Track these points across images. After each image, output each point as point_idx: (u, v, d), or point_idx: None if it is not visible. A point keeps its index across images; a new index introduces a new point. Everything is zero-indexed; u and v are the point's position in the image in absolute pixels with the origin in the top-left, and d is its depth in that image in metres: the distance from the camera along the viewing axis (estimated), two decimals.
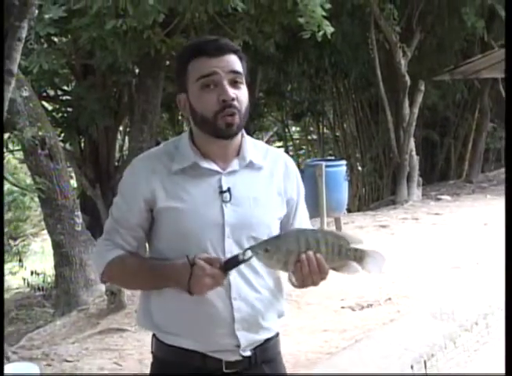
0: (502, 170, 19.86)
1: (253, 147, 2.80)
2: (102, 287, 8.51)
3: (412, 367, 5.88)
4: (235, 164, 2.74)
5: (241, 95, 2.65)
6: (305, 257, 2.55)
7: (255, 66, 17.06)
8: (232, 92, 2.61)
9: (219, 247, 2.66)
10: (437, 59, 17.08)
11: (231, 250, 2.66)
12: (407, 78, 14.95)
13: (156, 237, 2.74)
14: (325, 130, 21.42)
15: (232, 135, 2.66)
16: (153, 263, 2.70)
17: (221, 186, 2.69)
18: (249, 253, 2.55)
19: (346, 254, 2.64)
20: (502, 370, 6.72)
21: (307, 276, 2.57)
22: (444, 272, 8.43)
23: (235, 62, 2.66)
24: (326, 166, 11.02)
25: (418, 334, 6.51)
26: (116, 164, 14.89)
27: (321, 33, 10.09)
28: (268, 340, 2.79)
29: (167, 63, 13.13)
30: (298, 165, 13.95)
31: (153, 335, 2.78)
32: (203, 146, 2.71)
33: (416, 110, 15.32)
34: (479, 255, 9.52)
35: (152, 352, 2.83)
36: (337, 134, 20.23)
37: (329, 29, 10.12)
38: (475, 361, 6.77)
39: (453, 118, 19.35)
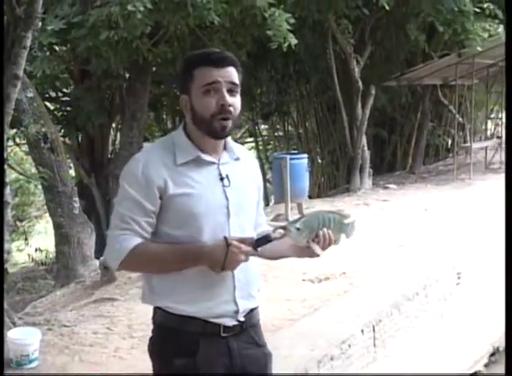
0: (441, 163, 20.00)
1: (232, 143, 2.94)
2: (97, 263, 8.51)
3: (362, 331, 5.89)
4: (226, 157, 2.88)
5: (236, 102, 2.77)
6: (322, 234, 2.78)
7: None
8: (229, 99, 2.72)
9: (226, 226, 2.78)
10: (385, 67, 17.10)
11: (234, 228, 2.80)
12: (360, 84, 14.96)
13: (165, 223, 2.76)
14: (290, 128, 21.44)
15: (223, 136, 2.82)
16: (182, 247, 2.72)
17: (220, 174, 2.81)
18: (281, 231, 2.71)
19: (343, 229, 2.92)
20: (438, 335, 6.76)
21: (322, 247, 2.79)
22: (390, 249, 8.47)
23: (234, 74, 2.77)
24: (291, 159, 11.04)
25: (368, 303, 6.53)
26: (109, 156, 14.88)
27: (286, 44, 10.13)
28: (254, 308, 2.92)
29: (154, 69, 13.11)
30: (267, 158, 14.02)
31: (157, 308, 2.81)
32: (200, 142, 2.81)
33: (367, 111, 15.35)
34: (420, 235, 9.57)
35: (154, 323, 2.86)
36: (300, 131, 20.23)
37: (293, 41, 10.16)
38: (416, 326, 6.80)
39: (399, 118, 19.38)
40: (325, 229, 2.79)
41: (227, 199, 2.80)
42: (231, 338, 2.81)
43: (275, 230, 2.74)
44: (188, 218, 2.73)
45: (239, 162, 2.94)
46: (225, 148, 2.89)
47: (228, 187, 2.81)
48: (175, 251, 2.71)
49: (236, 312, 2.81)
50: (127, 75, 13.17)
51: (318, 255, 2.83)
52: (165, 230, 2.75)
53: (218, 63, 2.74)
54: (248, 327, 2.89)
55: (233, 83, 2.76)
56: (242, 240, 2.69)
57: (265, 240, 2.73)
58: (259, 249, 2.74)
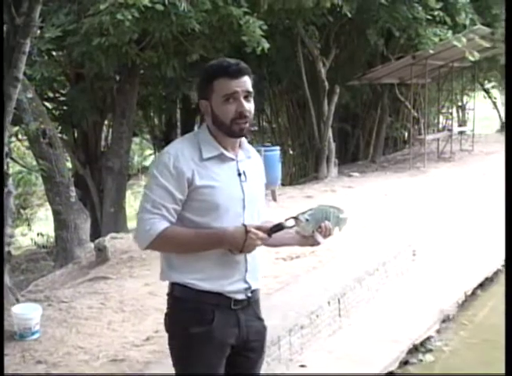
0: (398, 153, 20.10)
1: (246, 142, 3.01)
2: (91, 245, 8.50)
3: (329, 303, 5.93)
4: (241, 155, 2.96)
5: (251, 107, 2.86)
6: (324, 225, 2.91)
7: None
8: (246, 105, 2.82)
9: (241, 217, 2.87)
10: (348, 68, 17.14)
11: (248, 218, 2.89)
12: (326, 83, 14.98)
13: (189, 210, 2.82)
14: (264, 123, 21.40)
15: (242, 136, 2.91)
16: (206, 231, 2.80)
17: (238, 170, 2.90)
18: (291, 222, 2.84)
19: (338, 223, 3.02)
20: (397, 302, 6.79)
21: (323, 237, 2.92)
22: (355, 230, 8.48)
23: (248, 82, 2.86)
24: (265, 150, 11.05)
25: (334, 278, 6.56)
26: (102, 150, 14.83)
27: (260, 48, 10.14)
28: (257, 288, 3.02)
29: (141, 71, 13.06)
30: None
31: (176, 284, 2.86)
32: (221, 141, 2.89)
33: (333, 108, 15.37)
34: (380, 218, 9.62)
35: (173, 297, 2.89)
36: (274, 126, 20.22)
37: (266, 45, 10.17)
38: (377, 298, 6.84)
39: (361, 114, 19.44)
40: (327, 222, 2.92)
41: (243, 193, 2.90)
42: (239, 310, 2.90)
43: (287, 220, 2.85)
44: (210, 207, 2.81)
45: (251, 160, 3.03)
46: (240, 146, 2.97)
47: (245, 182, 2.91)
48: (200, 234, 2.79)
49: (246, 289, 2.92)
50: (117, 77, 13.11)
51: (319, 244, 2.96)
52: (189, 217, 2.82)
53: (236, 75, 2.81)
54: (252, 303, 2.98)
55: (248, 91, 2.85)
56: (258, 228, 2.79)
57: (277, 228, 2.83)
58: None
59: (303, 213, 2.87)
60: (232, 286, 2.86)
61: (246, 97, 2.84)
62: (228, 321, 2.87)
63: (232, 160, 2.90)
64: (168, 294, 2.92)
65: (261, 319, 3.06)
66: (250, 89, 2.86)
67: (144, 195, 2.82)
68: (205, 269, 2.83)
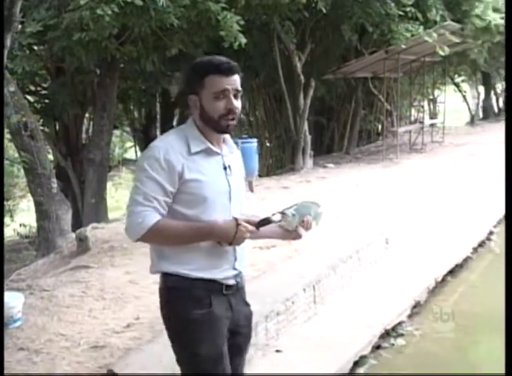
0: (372, 145, 20.16)
1: (228, 137, 3.06)
2: (73, 235, 8.45)
3: (304, 290, 5.94)
4: (225, 149, 3.00)
5: (239, 105, 2.89)
6: (306, 220, 3.01)
7: (188, 69, 16.91)
8: (235, 102, 2.84)
9: (227, 209, 2.92)
10: (324, 62, 17.15)
11: (233, 210, 2.94)
12: (302, 77, 14.99)
13: (178, 203, 2.84)
14: (241, 116, 21.35)
15: (228, 132, 2.95)
16: (197, 224, 2.83)
17: (223, 164, 2.94)
18: (278, 216, 2.90)
19: (316, 217, 3.10)
20: (370, 289, 6.82)
21: (305, 231, 3.03)
22: (328, 220, 8.50)
23: (238, 81, 2.88)
24: (242, 142, 11.10)
25: (309, 266, 6.58)
26: (83, 142, 14.77)
27: (237, 43, 10.13)
28: (243, 275, 3.10)
29: (121, 65, 13.00)
30: None
31: (168, 275, 2.89)
32: (207, 135, 2.91)
33: (308, 101, 15.38)
34: (354, 207, 9.65)
35: (166, 287, 2.93)
36: (251, 119, 20.19)
37: (243, 40, 10.16)
38: (351, 285, 6.87)
39: (336, 107, 19.48)
40: (309, 216, 3.01)
41: (229, 186, 2.94)
42: (230, 295, 2.97)
43: (274, 214, 2.90)
44: (198, 200, 2.83)
45: (233, 154, 3.07)
46: (224, 142, 3.01)
47: (230, 176, 2.96)
48: (192, 227, 2.82)
49: (236, 275, 2.98)
50: (97, 71, 13.03)
51: (300, 237, 3.07)
52: (178, 209, 2.84)
53: (227, 73, 2.83)
54: (240, 288, 3.06)
55: (237, 89, 2.86)
56: (248, 221, 2.84)
57: (265, 222, 2.88)
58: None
59: (288, 208, 2.95)
60: (223, 273, 2.92)
61: (235, 95, 2.86)
62: (223, 305, 2.94)
63: (218, 154, 2.94)
64: (161, 286, 2.95)
65: (247, 305, 3.16)
66: (239, 88, 2.88)
67: (134, 188, 2.81)
68: (196, 260, 2.87)
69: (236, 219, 2.82)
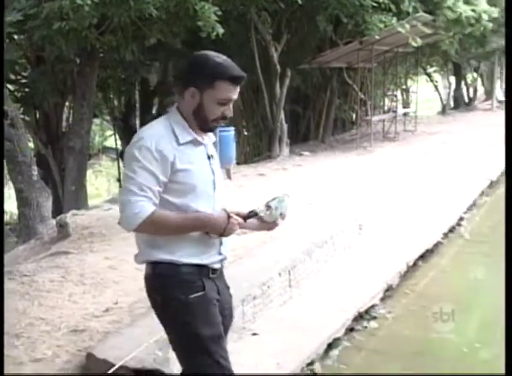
0: (347, 133, 20.20)
1: None
2: (53, 222, 8.42)
3: (280, 274, 5.95)
4: (207, 139, 3.00)
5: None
6: (284, 212, 3.08)
7: (167, 58, 16.84)
8: (231, 111, 2.94)
9: (212, 197, 2.94)
10: (299, 53, 17.12)
11: (217, 199, 2.97)
12: (278, 67, 14.98)
13: (169, 192, 2.84)
14: None
15: (212, 131, 3.02)
16: (191, 215, 2.84)
17: (207, 154, 2.96)
18: (263, 209, 2.99)
19: (287, 209, 3.12)
20: (344, 273, 6.83)
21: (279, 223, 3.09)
22: (303, 206, 8.54)
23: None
24: (220, 131, 11.01)
25: (284, 251, 6.58)
26: (63, 130, 14.67)
27: (214, 33, 10.08)
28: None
29: (101, 55, 12.91)
30: None
31: (158, 263, 2.89)
32: (192, 126, 2.91)
33: (284, 90, 15.38)
34: (329, 194, 9.67)
35: (158, 275, 2.91)
36: None
37: (221, 30, 10.12)
38: (325, 270, 6.89)
39: (312, 96, 19.47)
40: (283, 210, 3.08)
41: (213, 174, 2.98)
42: (215, 279, 3.01)
43: (259, 207, 3.00)
44: (188, 189, 2.84)
45: (212, 144, 3.09)
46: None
47: (213, 165, 2.99)
48: (187, 219, 2.84)
49: (221, 260, 3.02)
50: (77, 60, 12.94)
51: (274, 228, 3.16)
52: (167, 198, 2.84)
53: (238, 83, 2.87)
54: (222, 273, 3.11)
55: (235, 99, 2.93)
56: (237, 214, 2.92)
57: (252, 214, 2.96)
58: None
59: (272, 201, 3.02)
60: (210, 258, 2.95)
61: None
62: (213, 288, 2.98)
63: (202, 144, 2.95)
64: (150, 274, 2.94)
65: (228, 287, 3.19)
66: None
67: (127, 178, 2.78)
68: (187, 247, 2.89)
69: (227, 212, 2.86)
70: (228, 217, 2.85)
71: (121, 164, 18.99)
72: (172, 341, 3.04)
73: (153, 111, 18.91)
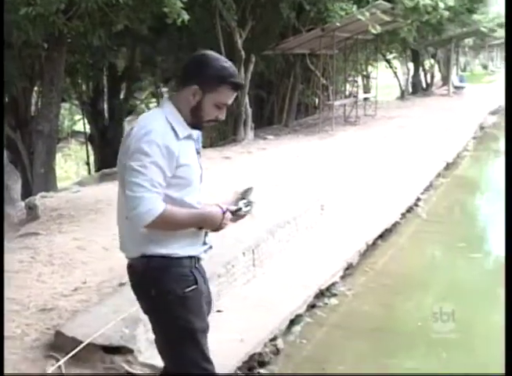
0: (309, 117, 20.22)
1: None
2: (22, 204, 8.32)
3: (244, 254, 5.96)
4: (195, 135, 2.93)
5: None
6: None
7: (134, 44, 16.69)
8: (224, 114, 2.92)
9: (199, 191, 2.93)
10: (263, 39, 17.06)
11: (201, 191, 2.96)
12: (242, 53, 14.88)
13: (169, 187, 2.78)
14: None
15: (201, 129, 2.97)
16: (195, 212, 2.84)
17: (196, 149, 2.92)
18: (247, 205, 2.98)
19: None
20: (306, 252, 6.86)
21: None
22: (268, 188, 8.55)
23: None
24: None
25: (248, 230, 6.57)
26: (32, 114, 14.48)
27: (180, 19, 9.97)
28: None
29: (69, 40, 12.72)
30: None
31: (153, 257, 2.84)
32: (187, 122, 2.86)
33: (249, 76, 15.33)
34: (292, 176, 9.70)
35: (152, 268, 2.85)
36: None
37: (186, 17, 10.01)
38: (288, 249, 6.92)
39: (275, 82, 19.43)
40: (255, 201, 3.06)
41: (201, 168, 2.96)
42: (200, 268, 2.99)
43: (244, 204, 2.97)
44: (186, 184, 2.82)
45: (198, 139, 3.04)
46: None
47: (200, 159, 2.96)
48: (191, 215, 2.83)
49: (206, 250, 3.01)
50: (45, 45, 12.73)
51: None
52: (166, 193, 2.78)
53: (237, 89, 2.89)
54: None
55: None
56: (228, 210, 2.89)
57: (238, 210, 2.93)
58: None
59: (247, 194, 3.02)
60: (198, 249, 2.95)
61: None
62: (202, 279, 2.98)
63: (193, 139, 2.90)
64: (145, 268, 2.87)
65: (205, 272, 3.17)
66: None
67: (138, 173, 2.69)
68: (181, 240, 2.86)
69: (221, 208, 2.85)
70: (223, 213, 2.84)
71: (90, 148, 18.86)
72: (161, 333, 2.99)
73: (121, 96, 18.76)
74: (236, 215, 2.94)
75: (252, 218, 3.06)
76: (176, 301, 2.86)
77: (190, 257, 2.90)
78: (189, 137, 2.85)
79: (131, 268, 2.96)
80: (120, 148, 2.88)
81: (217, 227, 2.87)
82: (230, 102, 2.88)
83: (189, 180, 2.84)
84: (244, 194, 3.02)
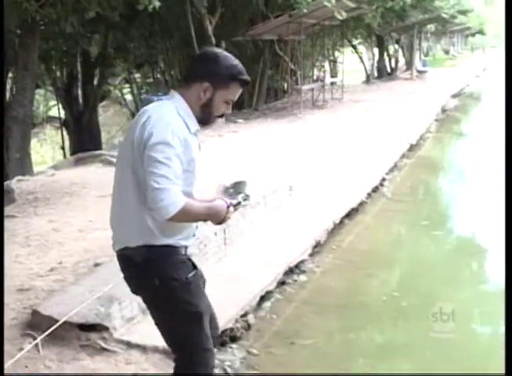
0: (279, 102, 20.18)
1: None
2: None
3: (215, 234, 5.95)
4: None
5: None
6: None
7: (106, 30, 16.51)
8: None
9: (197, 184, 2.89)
10: (233, 25, 16.99)
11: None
12: (213, 39, 14.81)
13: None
14: (158, 75, 21.11)
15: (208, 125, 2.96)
16: (209, 206, 2.78)
17: (198, 143, 2.89)
18: (245, 201, 2.96)
19: None
20: (275, 231, 6.86)
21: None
22: (238, 168, 8.50)
23: None
24: (157, 99, 10.85)
25: None
26: (7, 100, 14.25)
27: (151, 6, 9.89)
28: None
29: (42, 27, 12.55)
30: (140, 100, 13.53)
31: (156, 246, 2.82)
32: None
33: None
34: (261, 157, 9.69)
35: (156, 257, 2.83)
36: (167, 78, 19.94)
37: (157, 3, 9.94)
38: (257, 228, 6.92)
39: (245, 67, 19.25)
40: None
41: (200, 162, 2.91)
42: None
43: (242, 198, 2.94)
44: (193, 177, 2.80)
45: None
46: None
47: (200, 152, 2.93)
48: (205, 208, 2.77)
49: (195, 240, 3.06)
50: (18, 32, 12.54)
51: None
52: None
53: (245, 86, 2.91)
54: None
55: None
56: (231, 204, 2.86)
57: (238, 204, 2.91)
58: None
59: (241, 186, 3.02)
60: (191, 239, 2.96)
61: None
62: (195, 264, 2.99)
63: (198, 134, 2.90)
64: (148, 258, 2.83)
65: None
66: None
67: (162, 164, 2.65)
68: (183, 231, 2.87)
69: (225, 201, 2.82)
70: (228, 207, 2.81)
71: (65, 133, 18.67)
72: (166, 320, 2.98)
73: (95, 82, 18.56)
74: (235, 208, 2.91)
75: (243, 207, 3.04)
76: (181, 288, 2.86)
77: (185, 246, 2.91)
78: (197, 132, 2.85)
79: (128, 259, 2.88)
80: (128, 135, 2.83)
81: (222, 220, 2.84)
82: (236, 97, 2.90)
83: (195, 174, 2.82)
84: (237, 187, 3.02)
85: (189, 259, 2.94)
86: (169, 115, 2.74)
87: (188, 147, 2.72)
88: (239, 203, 2.91)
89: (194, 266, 2.94)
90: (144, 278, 2.87)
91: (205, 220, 2.88)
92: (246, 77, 2.90)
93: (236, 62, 2.88)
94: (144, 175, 2.69)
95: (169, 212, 2.63)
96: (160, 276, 2.83)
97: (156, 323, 3.02)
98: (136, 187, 2.75)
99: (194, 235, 2.99)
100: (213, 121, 2.93)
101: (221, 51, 2.93)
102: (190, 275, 2.88)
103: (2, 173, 8.97)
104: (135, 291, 3.01)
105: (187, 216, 2.72)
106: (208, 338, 2.99)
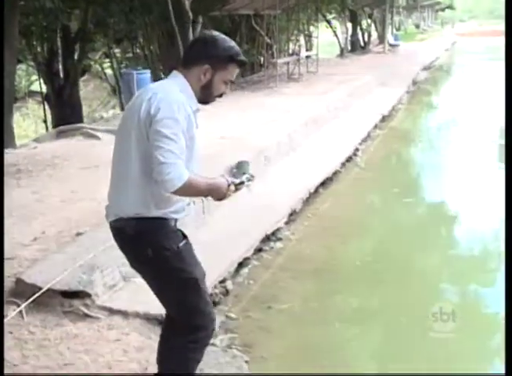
0: (255, 75, 20.02)
1: None
2: None
3: (194, 203, 5.92)
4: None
5: None
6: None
7: (86, 6, 16.25)
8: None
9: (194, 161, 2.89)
10: (210, 0, 16.77)
11: None
12: (190, 14, 14.62)
13: None
14: (137, 50, 20.85)
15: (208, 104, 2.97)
16: (209, 182, 2.79)
17: (196, 121, 2.84)
18: (249, 181, 2.94)
19: None
20: (252, 201, 6.85)
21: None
22: (215, 140, 8.49)
23: None
24: (137, 74, 10.82)
25: None
26: None
27: None
28: None
29: (22, 2, 12.33)
30: (120, 74, 13.34)
31: (152, 219, 2.83)
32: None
33: (197, 36, 15.10)
34: (238, 130, 9.63)
35: (150, 229, 2.84)
36: (146, 53, 19.67)
37: None
38: (235, 198, 6.87)
39: None
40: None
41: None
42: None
43: (246, 178, 2.93)
44: (191, 154, 2.80)
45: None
46: None
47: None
48: (206, 184, 2.78)
49: (185, 215, 3.03)
50: None
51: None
52: None
53: (242, 66, 2.94)
54: None
55: None
56: (233, 183, 2.86)
57: (241, 183, 2.89)
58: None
59: (243, 167, 3.01)
60: (181, 213, 2.96)
61: None
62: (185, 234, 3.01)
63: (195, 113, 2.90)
64: (140, 229, 2.84)
65: None
66: None
67: (169, 139, 2.65)
68: (175, 204, 2.87)
69: (226, 179, 2.83)
70: (228, 185, 2.82)
71: (47, 107, 18.44)
72: (163, 288, 3.00)
73: (75, 57, 18.30)
74: (238, 188, 2.89)
75: (249, 191, 3.00)
76: (174, 256, 2.87)
77: (175, 219, 2.92)
78: (196, 111, 2.85)
79: (120, 231, 2.90)
80: (130, 110, 2.83)
81: (223, 197, 2.85)
82: (234, 77, 2.93)
83: (194, 151, 2.83)
84: (241, 167, 3.04)
85: (179, 230, 2.95)
86: (174, 93, 2.77)
87: (191, 124, 2.75)
88: (242, 182, 2.90)
89: (184, 236, 2.95)
90: (137, 250, 2.89)
91: (206, 195, 2.90)
92: (244, 58, 2.93)
93: (233, 44, 2.90)
94: (149, 148, 2.69)
95: (174, 185, 2.64)
96: (152, 247, 2.85)
97: (156, 294, 3.04)
98: (142, 160, 2.75)
99: (184, 210, 3.00)
100: (213, 101, 2.95)
101: (218, 34, 2.93)
102: (181, 244, 2.89)
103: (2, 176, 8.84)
104: (131, 264, 3.05)
105: (190, 190, 2.73)
106: (207, 303, 3.04)
